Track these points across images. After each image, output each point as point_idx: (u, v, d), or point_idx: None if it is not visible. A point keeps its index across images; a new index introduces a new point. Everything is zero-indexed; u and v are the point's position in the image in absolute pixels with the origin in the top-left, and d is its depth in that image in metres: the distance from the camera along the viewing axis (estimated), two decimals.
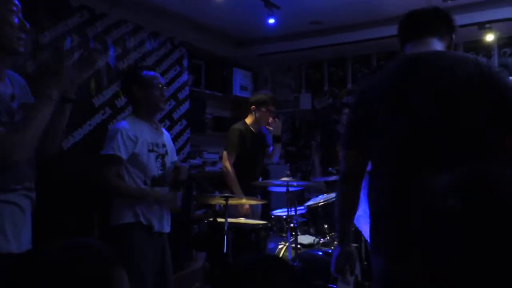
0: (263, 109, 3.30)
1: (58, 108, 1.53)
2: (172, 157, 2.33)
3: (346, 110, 4.18)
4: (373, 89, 1.52)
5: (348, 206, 1.60)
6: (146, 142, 2.15)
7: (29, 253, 1.46)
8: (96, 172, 2.11)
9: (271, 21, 3.76)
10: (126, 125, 2.12)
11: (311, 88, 5.63)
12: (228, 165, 3.14)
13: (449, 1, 3.84)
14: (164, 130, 2.37)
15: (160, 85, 2.23)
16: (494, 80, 1.35)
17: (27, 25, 1.39)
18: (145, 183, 2.12)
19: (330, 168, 3.93)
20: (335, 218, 1.65)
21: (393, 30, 4.87)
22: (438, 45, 1.53)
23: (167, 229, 2.23)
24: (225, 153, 3.22)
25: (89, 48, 2.43)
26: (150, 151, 2.15)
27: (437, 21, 1.59)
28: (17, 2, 1.38)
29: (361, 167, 1.58)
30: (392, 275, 1.44)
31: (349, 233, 1.67)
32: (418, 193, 0.89)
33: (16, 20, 1.35)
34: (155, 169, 2.16)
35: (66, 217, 2.75)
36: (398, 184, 1.39)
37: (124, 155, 2.07)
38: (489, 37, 4.13)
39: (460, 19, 4.00)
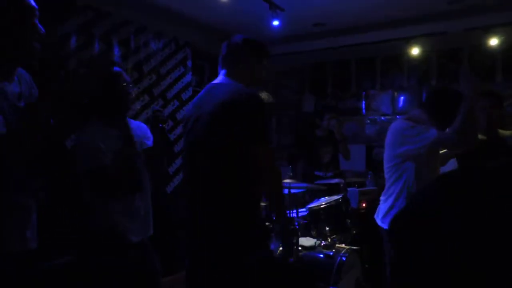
0: None
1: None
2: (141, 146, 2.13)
3: (328, 116, 4.17)
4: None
5: None
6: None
7: (34, 252, 1.46)
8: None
9: (276, 23, 3.77)
10: (90, 138, 1.92)
11: (314, 90, 5.64)
12: None
13: (454, 4, 3.84)
14: (131, 123, 2.15)
15: (125, 84, 2.04)
16: (242, 105, 1.66)
17: (42, 29, 1.40)
18: None
19: (316, 172, 3.93)
20: None
21: (397, 33, 4.87)
22: (223, 77, 1.86)
23: (147, 234, 2.10)
24: None
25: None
26: None
27: (235, 54, 1.89)
28: (35, 6, 1.40)
29: None
30: None
31: None
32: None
33: (32, 24, 1.37)
34: None
35: (70, 213, 2.75)
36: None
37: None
38: (493, 41, 4.13)
39: (465, 23, 4.04)
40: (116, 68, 2.10)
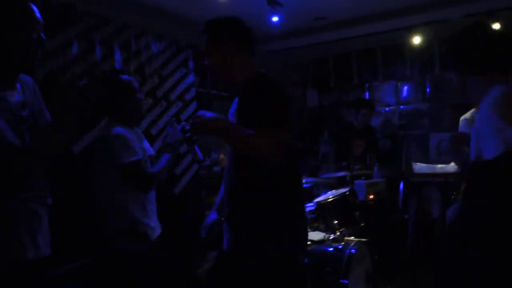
0: None
1: None
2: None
3: (364, 111, 4.15)
4: None
5: None
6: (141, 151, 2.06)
7: (48, 259, 1.47)
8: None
9: (275, 19, 3.77)
10: (125, 132, 2.01)
11: (318, 85, 5.63)
12: None
13: None
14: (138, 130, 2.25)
15: (138, 90, 2.14)
16: None
17: (44, 38, 1.41)
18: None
19: (344, 163, 3.92)
20: None
21: (397, 23, 4.82)
22: None
23: (158, 231, 2.14)
24: None
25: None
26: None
27: None
28: (39, 17, 1.40)
29: None
30: None
31: None
32: None
33: (34, 35, 1.38)
34: None
35: (83, 216, 2.77)
36: None
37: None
38: (495, 27, 4.09)
39: (466, 9, 3.97)
40: (125, 76, 2.15)
